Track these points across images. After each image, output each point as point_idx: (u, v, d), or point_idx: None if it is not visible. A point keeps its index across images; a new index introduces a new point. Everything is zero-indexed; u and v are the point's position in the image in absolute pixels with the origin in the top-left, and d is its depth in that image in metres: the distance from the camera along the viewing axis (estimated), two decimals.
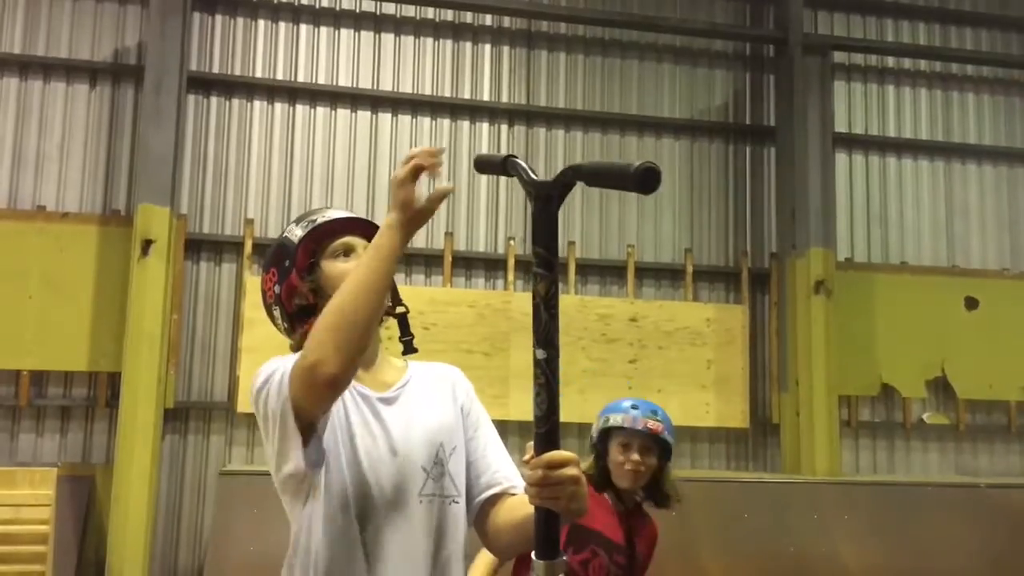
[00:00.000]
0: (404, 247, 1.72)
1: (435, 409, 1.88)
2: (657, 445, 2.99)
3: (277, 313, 1.94)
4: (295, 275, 1.89)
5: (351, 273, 1.68)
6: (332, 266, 1.89)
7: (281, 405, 1.67)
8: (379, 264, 1.65)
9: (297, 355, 1.68)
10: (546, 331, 1.43)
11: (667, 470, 3.05)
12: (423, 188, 1.65)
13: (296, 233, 1.92)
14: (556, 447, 1.44)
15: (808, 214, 7.15)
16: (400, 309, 1.95)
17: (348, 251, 1.91)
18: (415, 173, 1.66)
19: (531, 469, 1.43)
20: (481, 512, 1.86)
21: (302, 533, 1.76)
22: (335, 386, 1.60)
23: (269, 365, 1.75)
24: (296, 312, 1.90)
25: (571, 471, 1.44)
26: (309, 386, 1.60)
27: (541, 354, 1.43)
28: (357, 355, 1.61)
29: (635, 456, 2.93)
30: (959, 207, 8.05)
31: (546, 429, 1.44)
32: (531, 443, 1.47)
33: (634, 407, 3.01)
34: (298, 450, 1.67)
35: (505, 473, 1.88)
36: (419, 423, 1.84)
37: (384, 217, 1.72)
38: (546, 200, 1.44)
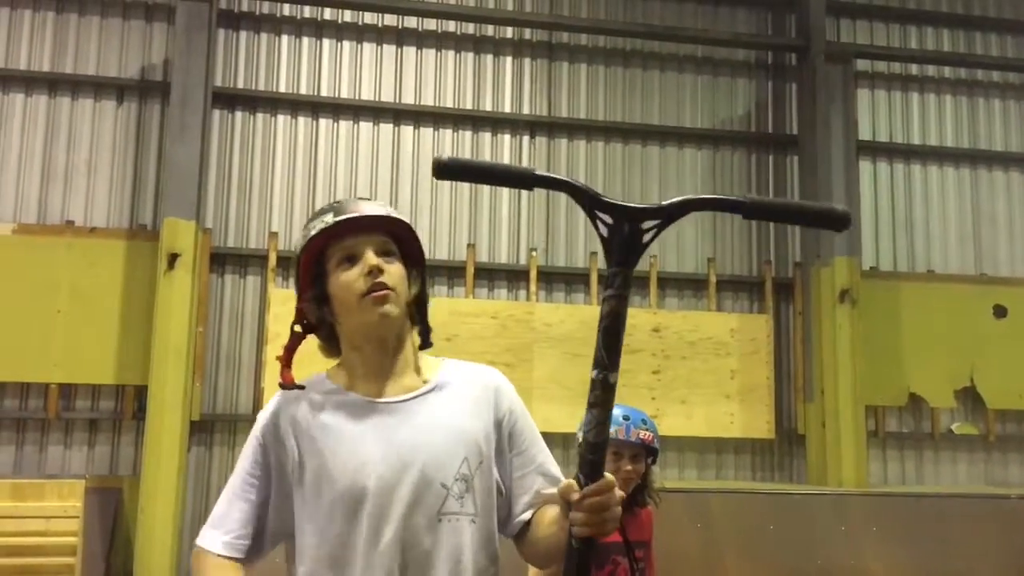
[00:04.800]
0: None
1: (462, 418, 1.72)
2: (646, 451, 3.07)
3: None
4: (301, 298, 1.76)
5: None
6: (335, 279, 1.71)
7: None
8: None
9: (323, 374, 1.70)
10: (618, 353, 1.37)
11: (652, 473, 3.13)
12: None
13: (300, 242, 1.77)
14: (602, 474, 1.41)
15: None
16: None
17: (351, 258, 1.70)
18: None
19: (586, 502, 1.38)
20: (521, 529, 1.76)
21: (303, 553, 1.68)
22: None
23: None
24: (316, 327, 1.78)
25: (618, 494, 1.41)
26: None
27: (614, 378, 1.36)
28: None
29: (628, 466, 3.02)
30: (986, 214, 7.96)
31: (599, 457, 1.39)
32: (566, 481, 1.43)
33: (625, 417, 3.07)
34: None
35: (548, 491, 1.73)
36: (440, 433, 1.69)
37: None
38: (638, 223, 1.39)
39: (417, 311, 1.78)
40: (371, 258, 1.69)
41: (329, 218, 1.71)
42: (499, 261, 7.18)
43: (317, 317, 1.74)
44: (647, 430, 3.06)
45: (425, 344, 1.80)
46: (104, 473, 6.45)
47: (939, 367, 7.50)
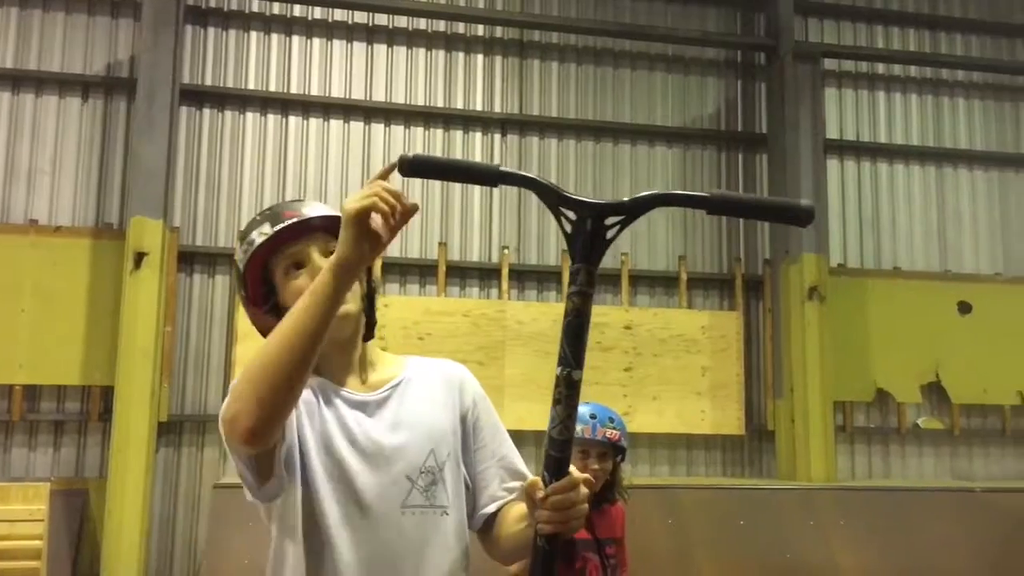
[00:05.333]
0: (349, 290, 1.49)
1: (428, 412, 1.73)
2: (613, 450, 3.09)
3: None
4: (251, 308, 1.76)
5: (283, 320, 1.47)
6: (285, 288, 1.71)
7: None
8: (316, 311, 1.43)
9: None
10: (583, 351, 1.37)
11: (620, 471, 3.17)
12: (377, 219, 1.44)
13: (240, 257, 1.74)
14: (568, 471, 1.40)
15: None
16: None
17: (299, 264, 1.70)
18: (374, 211, 1.42)
19: (552, 499, 1.38)
20: (485, 524, 1.77)
21: (277, 549, 1.67)
22: (253, 442, 1.46)
23: (233, 384, 1.59)
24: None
25: (585, 491, 1.41)
26: (229, 437, 1.49)
27: (578, 375, 1.36)
28: (282, 410, 1.46)
29: (595, 465, 3.05)
30: (951, 212, 8.08)
31: (565, 454, 1.39)
32: (531, 479, 1.43)
33: (592, 416, 3.09)
34: (251, 487, 1.58)
35: (511, 485, 1.76)
36: (406, 428, 1.70)
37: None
38: (600, 221, 1.39)
39: (366, 306, 1.78)
40: (319, 261, 1.68)
41: (267, 228, 1.70)
42: (471, 259, 7.17)
43: (271, 329, 1.71)
44: (614, 428, 3.09)
45: (368, 336, 1.79)
46: (70, 475, 6.35)
47: (905, 363, 7.60)
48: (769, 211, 1.50)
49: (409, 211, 1.44)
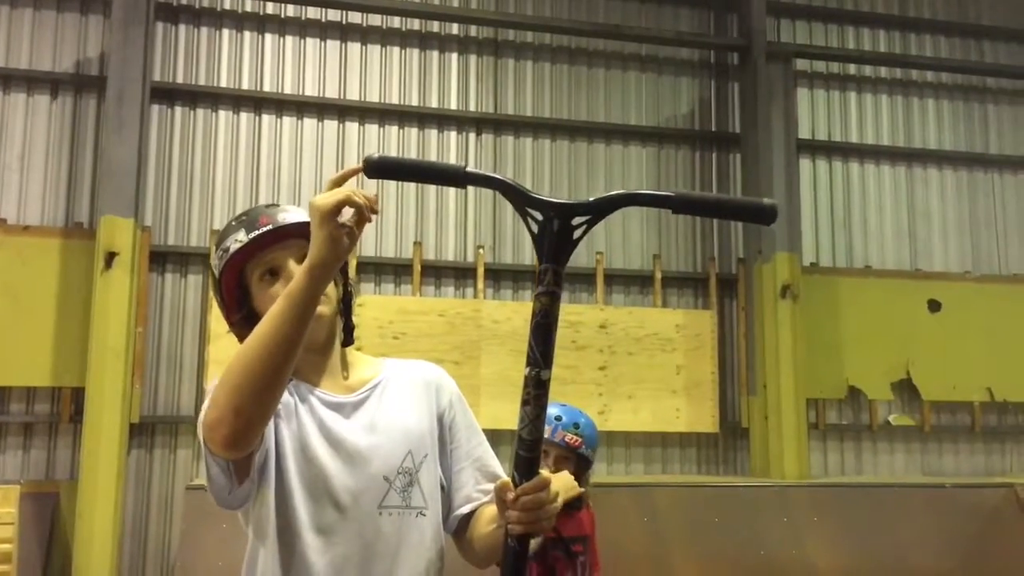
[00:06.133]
0: (324, 292, 1.48)
1: (405, 414, 1.74)
2: (576, 456, 3.03)
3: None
4: (228, 316, 1.76)
5: (259, 326, 1.45)
6: (260, 296, 1.71)
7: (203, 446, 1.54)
8: (292, 314, 1.41)
9: None
10: (552, 350, 1.38)
11: (584, 480, 3.09)
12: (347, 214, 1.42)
13: (215, 263, 1.74)
14: (538, 472, 1.41)
15: None
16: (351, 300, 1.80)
17: (273, 271, 1.71)
18: (344, 206, 1.39)
19: (523, 499, 1.38)
20: (459, 525, 1.78)
21: (251, 550, 1.67)
22: (234, 448, 1.47)
23: (213, 387, 1.58)
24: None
25: (555, 491, 1.42)
26: (209, 443, 1.49)
27: (547, 375, 1.37)
28: (261, 418, 1.46)
29: (552, 467, 2.97)
30: (921, 211, 8.18)
31: (535, 455, 1.39)
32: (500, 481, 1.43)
33: (558, 418, 3.05)
34: (220, 490, 1.56)
35: (485, 486, 1.78)
36: (383, 429, 1.70)
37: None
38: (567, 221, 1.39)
39: (343, 310, 1.79)
40: (293, 268, 1.68)
41: (243, 235, 1.70)
42: (446, 259, 7.16)
43: (246, 335, 1.70)
44: (576, 434, 3.04)
45: (347, 342, 1.79)
46: (40, 478, 6.26)
47: (877, 360, 7.69)
48: (733, 210, 1.51)
49: (376, 205, 1.44)
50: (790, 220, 7.32)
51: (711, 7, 8.00)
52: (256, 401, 1.42)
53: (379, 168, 1.42)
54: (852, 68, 8.24)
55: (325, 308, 1.69)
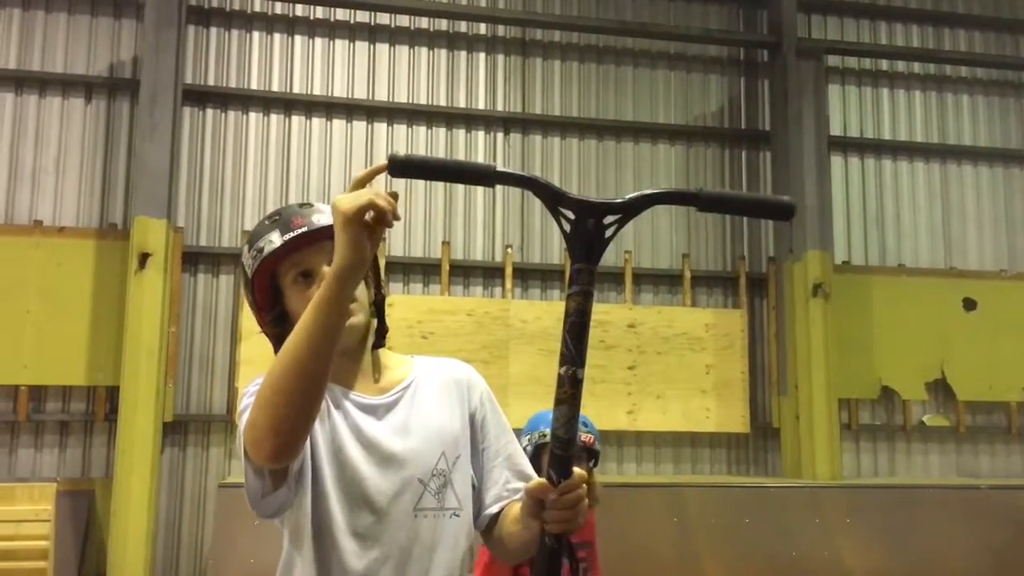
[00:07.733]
0: (354, 296, 1.46)
1: (438, 414, 1.73)
2: (587, 454, 3.10)
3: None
4: (259, 316, 1.74)
5: (290, 339, 1.43)
6: (293, 298, 1.70)
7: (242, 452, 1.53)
8: (323, 323, 1.39)
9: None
10: (586, 349, 1.37)
11: (593, 476, 3.14)
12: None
13: (248, 263, 1.72)
14: (572, 470, 1.41)
15: (805, 218, 7.15)
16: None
17: (307, 275, 1.69)
18: (368, 210, 1.37)
19: (562, 499, 1.38)
20: (489, 523, 1.77)
21: (288, 553, 1.67)
22: (279, 461, 1.47)
23: (251, 390, 1.58)
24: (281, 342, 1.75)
25: (586, 489, 1.42)
26: (255, 458, 1.48)
27: (582, 373, 1.36)
28: (302, 432, 1.45)
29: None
30: (956, 209, 8.06)
31: (571, 453, 1.39)
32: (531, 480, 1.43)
33: None
34: (256, 496, 1.55)
35: (515, 485, 1.75)
36: (417, 431, 1.70)
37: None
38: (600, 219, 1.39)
39: (376, 312, 1.78)
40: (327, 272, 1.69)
41: (276, 237, 1.68)
42: (474, 258, 7.17)
43: (277, 335, 1.70)
44: (588, 433, 3.10)
45: (379, 344, 1.78)
46: (76, 476, 6.36)
47: (910, 360, 7.59)
48: (754, 207, 1.55)
49: (397, 210, 1.41)
50: (822, 218, 7.24)
51: (740, 3, 7.94)
52: (294, 417, 1.42)
53: (404, 167, 1.39)
54: (884, 64, 8.14)
55: (360, 317, 1.68)
